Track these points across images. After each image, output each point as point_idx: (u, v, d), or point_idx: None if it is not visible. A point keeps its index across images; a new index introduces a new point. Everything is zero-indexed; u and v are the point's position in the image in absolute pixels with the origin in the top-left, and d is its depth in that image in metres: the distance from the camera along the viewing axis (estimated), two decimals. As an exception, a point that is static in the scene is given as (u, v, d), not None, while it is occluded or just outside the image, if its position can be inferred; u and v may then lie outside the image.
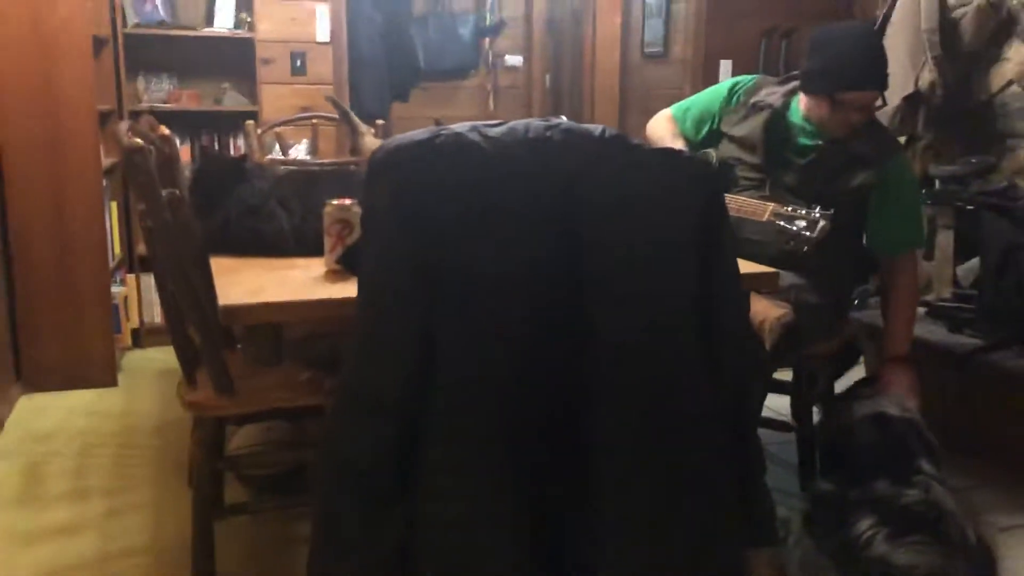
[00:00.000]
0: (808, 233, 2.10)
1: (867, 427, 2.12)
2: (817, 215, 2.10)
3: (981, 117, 3.37)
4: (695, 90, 3.38)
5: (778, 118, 2.38)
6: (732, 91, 2.51)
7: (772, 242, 2.26)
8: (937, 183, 3.38)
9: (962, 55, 3.34)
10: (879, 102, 2.39)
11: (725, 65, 3.97)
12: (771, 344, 2.05)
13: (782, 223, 2.15)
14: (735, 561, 1.52)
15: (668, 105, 2.70)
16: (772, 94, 2.42)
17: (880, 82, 2.30)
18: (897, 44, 3.37)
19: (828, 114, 2.29)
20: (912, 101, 3.35)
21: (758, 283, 1.90)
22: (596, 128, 1.39)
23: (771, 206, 2.19)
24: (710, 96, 2.57)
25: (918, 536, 1.86)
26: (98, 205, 3.32)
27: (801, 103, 2.38)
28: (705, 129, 2.54)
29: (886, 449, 2.05)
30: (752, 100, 2.43)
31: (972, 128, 3.40)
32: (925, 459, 2.03)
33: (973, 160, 3.28)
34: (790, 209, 2.16)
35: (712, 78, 3.88)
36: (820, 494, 2.04)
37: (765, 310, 2.09)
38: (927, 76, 3.30)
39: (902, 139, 3.48)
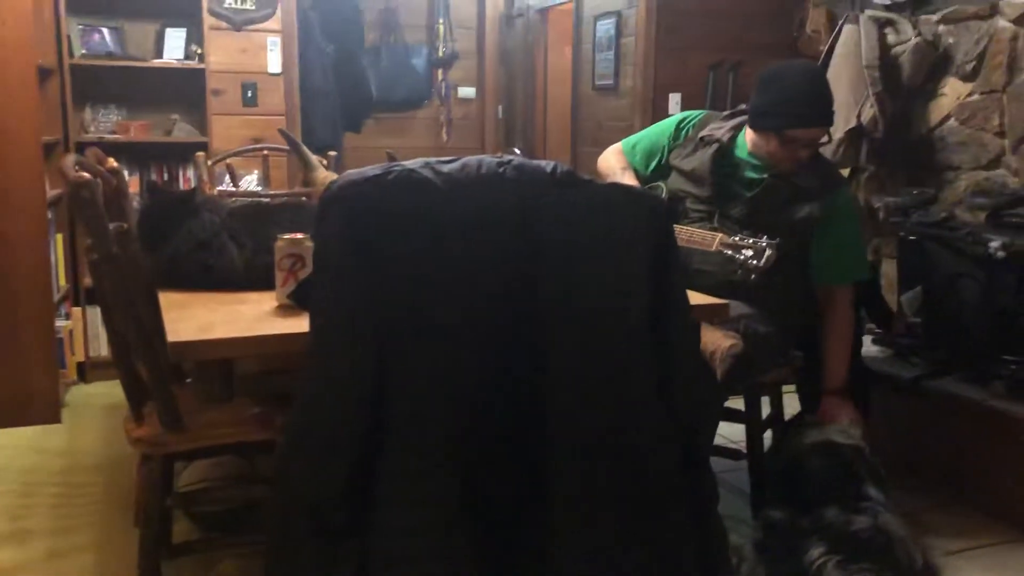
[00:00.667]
0: (755, 262, 2.14)
1: (815, 455, 2.15)
2: (764, 244, 2.14)
3: (921, 150, 3.48)
4: (645, 122, 3.44)
5: (725, 152, 2.43)
6: (680, 125, 2.56)
7: (721, 271, 2.30)
8: (880, 214, 3.47)
9: (902, 90, 3.45)
10: (824, 138, 2.45)
11: (674, 98, 4.05)
12: (722, 374, 2.08)
13: (730, 252, 2.19)
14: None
15: (619, 137, 2.75)
16: (719, 128, 2.47)
17: (827, 119, 2.37)
18: (840, 79, 3.47)
19: (776, 150, 2.34)
20: (855, 134, 3.44)
21: (708, 314, 1.93)
22: (548, 164, 1.41)
23: (719, 236, 2.24)
24: (658, 130, 2.62)
25: (868, 562, 1.89)
26: (42, 237, 3.26)
27: (747, 138, 2.43)
28: (654, 163, 2.58)
29: (834, 476, 2.09)
30: (700, 134, 2.48)
31: (913, 160, 3.51)
32: (872, 486, 2.07)
33: (914, 191, 3.38)
34: (737, 239, 2.20)
35: (662, 111, 3.95)
36: (772, 522, 2.07)
37: (716, 341, 2.12)
38: (869, 110, 3.40)
39: (846, 171, 3.58)
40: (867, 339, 3.17)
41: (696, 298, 1.91)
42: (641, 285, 1.43)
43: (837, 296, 2.45)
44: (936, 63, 3.37)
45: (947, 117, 3.37)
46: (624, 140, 2.69)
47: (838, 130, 3.42)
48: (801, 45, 4.05)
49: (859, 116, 3.41)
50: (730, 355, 2.09)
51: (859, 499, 2.03)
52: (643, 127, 2.86)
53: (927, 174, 3.44)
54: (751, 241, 2.17)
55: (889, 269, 3.55)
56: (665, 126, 2.61)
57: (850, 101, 3.43)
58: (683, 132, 2.55)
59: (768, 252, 2.13)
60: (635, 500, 1.45)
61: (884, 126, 3.39)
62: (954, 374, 2.77)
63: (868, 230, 3.47)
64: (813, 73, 2.41)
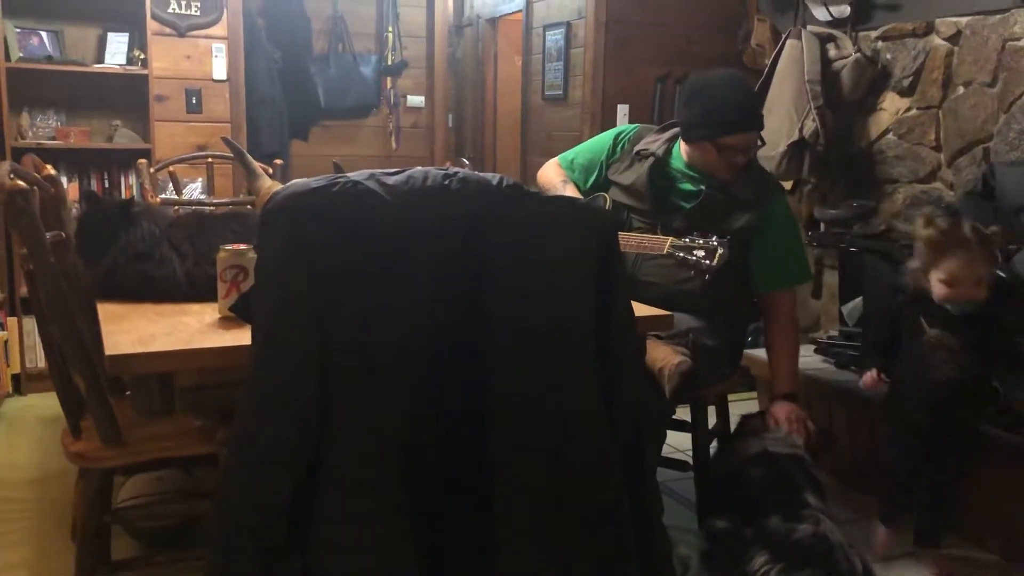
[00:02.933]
0: (708, 261, 2.17)
1: (755, 465, 2.18)
2: (715, 243, 2.18)
3: (862, 163, 3.56)
4: (594, 133, 3.46)
5: (661, 165, 2.45)
6: (616, 140, 2.59)
7: (667, 283, 2.32)
8: (822, 226, 3.55)
9: (843, 104, 3.53)
10: (758, 143, 2.49)
11: (622, 109, 4.09)
12: (670, 391, 2.10)
13: (682, 254, 2.22)
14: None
15: (568, 146, 2.76)
16: (654, 142, 2.50)
17: (758, 123, 2.41)
18: (782, 93, 3.53)
19: (713, 159, 2.37)
20: (797, 147, 3.51)
21: (653, 325, 1.95)
22: (494, 177, 1.41)
23: (669, 239, 2.26)
24: (595, 145, 2.64)
25: (810, 569, 1.92)
26: (-23, 245, 3.17)
27: (682, 149, 2.46)
28: (592, 178, 2.60)
29: (774, 486, 2.12)
30: (636, 148, 2.50)
31: (854, 173, 3.59)
32: (812, 494, 2.10)
33: (855, 204, 3.46)
34: (688, 240, 2.23)
35: (610, 122, 3.99)
36: (716, 531, 2.09)
37: (664, 357, 2.14)
38: (810, 124, 3.47)
39: (788, 184, 3.64)
40: (809, 348, 3.23)
41: (641, 309, 1.93)
42: (586, 299, 1.43)
43: (779, 303, 2.48)
44: (875, 78, 3.45)
45: (886, 131, 3.45)
46: (561, 155, 2.70)
47: (781, 143, 3.48)
48: (746, 58, 4.12)
49: (801, 130, 3.48)
50: (678, 372, 2.11)
51: (800, 506, 2.06)
52: (592, 136, 2.87)
53: (867, 187, 3.52)
54: (701, 242, 2.20)
55: (831, 280, 3.62)
56: (602, 141, 2.63)
57: (792, 115, 3.49)
58: (619, 146, 2.57)
59: (720, 251, 2.17)
60: (578, 513, 1.45)
61: (825, 139, 3.46)
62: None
63: (809, 242, 3.54)
64: (738, 80, 2.45)
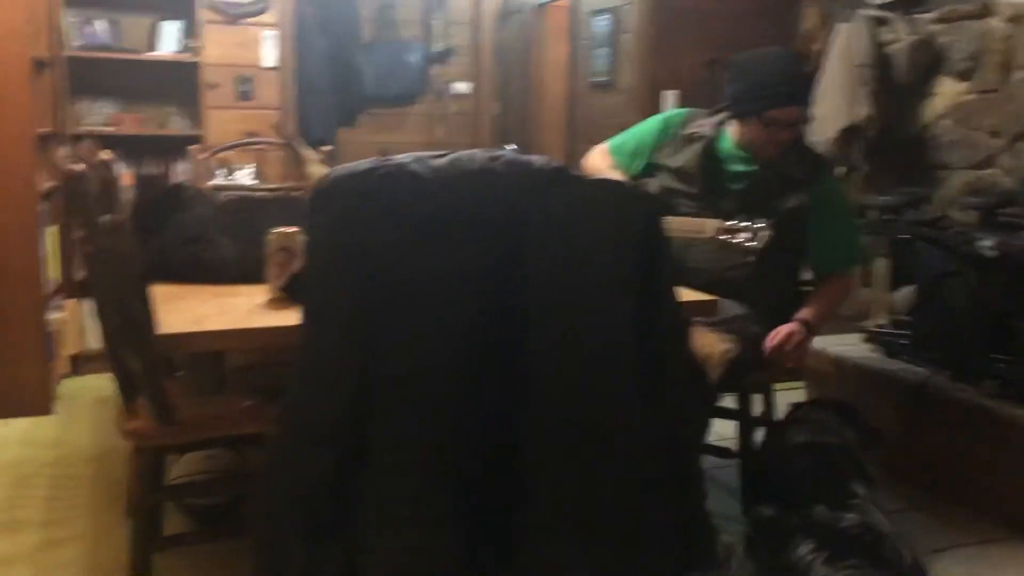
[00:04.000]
0: (753, 243, 2.17)
1: (802, 454, 2.16)
2: (760, 224, 2.18)
3: (914, 149, 3.48)
4: (640, 119, 3.43)
5: (712, 147, 2.44)
6: (665, 125, 2.58)
7: (714, 268, 2.30)
8: (873, 213, 3.48)
9: (896, 89, 3.45)
10: (805, 118, 2.46)
11: (671, 95, 4.05)
12: (715, 378, 2.09)
13: (726, 237, 2.21)
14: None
15: (615, 133, 2.74)
16: (703, 125, 2.49)
17: (804, 97, 2.40)
18: (834, 78, 3.47)
19: (759, 135, 2.36)
20: (849, 133, 3.45)
21: (698, 311, 1.93)
22: (539, 159, 1.41)
23: (713, 222, 2.26)
24: (644, 130, 2.63)
25: (856, 559, 1.90)
26: (33, 230, 3.25)
27: (731, 130, 2.44)
28: (640, 163, 2.58)
29: (822, 475, 2.10)
30: (685, 132, 2.49)
31: (906, 159, 3.52)
32: (860, 484, 2.08)
33: (907, 191, 3.39)
34: (732, 223, 2.23)
35: (657, 108, 3.96)
36: (761, 519, 2.08)
37: (710, 345, 2.13)
38: (863, 109, 3.41)
39: (841, 169, 3.58)
40: (858, 337, 3.18)
41: (686, 295, 1.92)
42: (630, 283, 1.43)
43: (835, 283, 2.46)
44: (930, 62, 3.37)
45: (941, 116, 3.38)
46: (610, 140, 2.69)
47: (832, 128, 3.42)
48: (797, 45, 4.05)
49: (853, 115, 3.42)
50: (724, 360, 2.10)
51: (847, 497, 2.03)
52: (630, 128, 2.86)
53: (920, 173, 3.45)
54: (747, 224, 2.20)
55: (881, 268, 3.56)
56: (650, 125, 2.62)
57: (845, 100, 3.43)
58: (668, 131, 2.56)
59: (764, 232, 2.17)
60: (619, 499, 1.45)
61: (878, 125, 3.40)
62: (946, 374, 2.79)
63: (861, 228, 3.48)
64: (784, 54, 2.43)
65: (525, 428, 1.38)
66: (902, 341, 3.00)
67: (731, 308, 2.23)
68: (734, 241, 2.20)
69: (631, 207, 1.46)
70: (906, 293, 3.24)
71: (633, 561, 1.45)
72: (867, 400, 2.87)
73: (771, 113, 2.32)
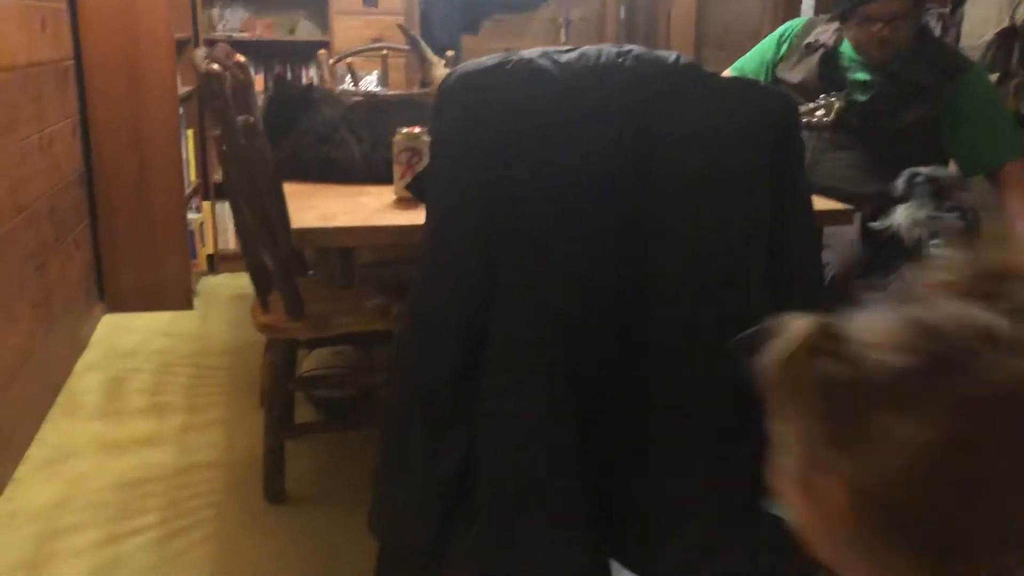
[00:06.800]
0: (827, 117, 2.10)
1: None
2: (832, 98, 2.11)
3: (1080, 54, 3.19)
4: (775, 25, 3.27)
5: (832, 56, 2.31)
6: (781, 39, 2.47)
7: (852, 181, 2.20)
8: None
9: (1063, -13, 3.16)
10: (911, 11, 2.27)
11: (807, -1, 3.83)
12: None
13: (804, 119, 2.14)
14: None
15: (747, 39, 2.65)
16: (823, 32, 2.35)
17: None
18: (992, -25, 3.20)
19: (861, 36, 2.22)
20: (1006, 36, 3.18)
21: (832, 220, 1.86)
22: (670, 55, 1.36)
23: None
24: (761, 48, 2.54)
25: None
26: (174, 131, 3.39)
27: (845, 35, 2.31)
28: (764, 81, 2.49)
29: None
30: (804, 42, 2.37)
31: (1069, 66, 3.23)
32: None
33: (1069, 99, 3.13)
34: (811, 105, 2.16)
35: (794, 11, 3.75)
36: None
37: None
38: (1023, 10, 3.13)
39: (994, 76, 3.33)
40: None
41: (819, 203, 1.84)
42: (761, 185, 1.38)
43: (1004, 178, 2.27)
44: (1106, -43, 3.06)
45: (1114, 18, 3.07)
46: (731, 67, 2.61)
47: (988, 32, 3.17)
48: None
49: (1012, 17, 3.14)
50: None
51: None
52: (772, 30, 2.74)
53: (1085, 81, 3.17)
54: (822, 100, 2.14)
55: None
56: (767, 43, 2.52)
57: (1002, 1, 3.16)
58: (785, 44, 2.45)
59: (837, 104, 2.10)
60: (740, 408, 1.43)
61: (1040, 28, 3.12)
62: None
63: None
64: None
65: (648, 332, 1.37)
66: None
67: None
68: (813, 120, 2.12)
69: (766, 107, 1.39)
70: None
71: (755, 467, 1.43)
72: None
73: (864, 9, 2.16)
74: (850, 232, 2.12)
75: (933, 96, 2.21)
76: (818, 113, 2.12)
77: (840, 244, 2.15)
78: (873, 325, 0.55)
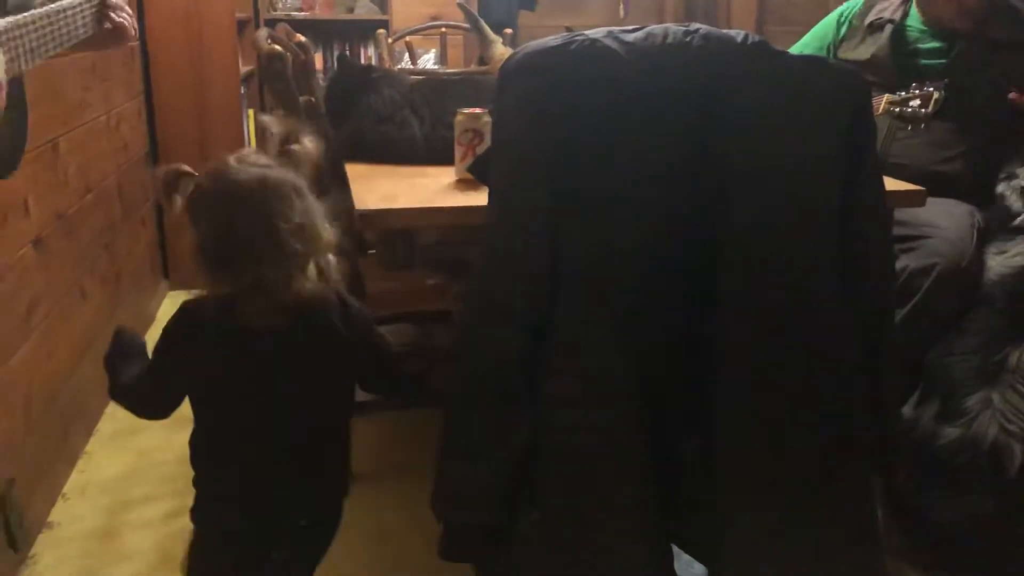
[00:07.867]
0: (924, 109, 2.06)
1: None
2: (929, 88, 2.05)
3: None
4: (839, 2, 3.19)
5: (900, 31, 2.24)
6: (840, 20, 2.41)
7: (926, 159, 2.14)
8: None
9: None
10: None
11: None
12: None
13: (897, 109, 2.11)
14: (859, 487, 1.48)
15: (811, 15, 2.60)
16: (886, 8, 2.29)
17: None
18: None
19: (940, 6, 2.17)
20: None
21: (904, 201, 1.81)
22: (738, 34, 1.33)
23: (885, 96, 2.13)
24: (819, 31, 2.48)
25: None
26: (237, 110, 3.44)
27: (916, 7, 2.23)
28: None
29: None
30: (867, 21, 2.30)
31: None
32: None
33: None
34: (903, 94, 2.11)
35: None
36: None
37: None
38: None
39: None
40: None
41: (891, 184, 1.79)
42: (833, 166, 1.35)
43: None
44: None
45: None
46: (790, 48, 2.55)
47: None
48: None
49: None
50: None
51: None
52: (837, 5, 2.68)
53: None
54: (918, 91, 2.08)
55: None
56: (825, 24, 2.46)
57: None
58: (844, 25, 2.38)
59: (936, 95, 2.04)
60: (810, 389, 1.41)
61: None
62: None
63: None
64: None
65: (716, 313, 1.35)
66: None
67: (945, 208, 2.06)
68: (907, 111, 2.07)
69: (838, 86, 1.36)
70: None
71: (824, 452, 1.42)
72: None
73: None
74: (959, 219, 2.03)
75: (1014, 50, 2.14)
76: (913, 104, 2.07)
77: (951, 227, 2.01)
78: None
